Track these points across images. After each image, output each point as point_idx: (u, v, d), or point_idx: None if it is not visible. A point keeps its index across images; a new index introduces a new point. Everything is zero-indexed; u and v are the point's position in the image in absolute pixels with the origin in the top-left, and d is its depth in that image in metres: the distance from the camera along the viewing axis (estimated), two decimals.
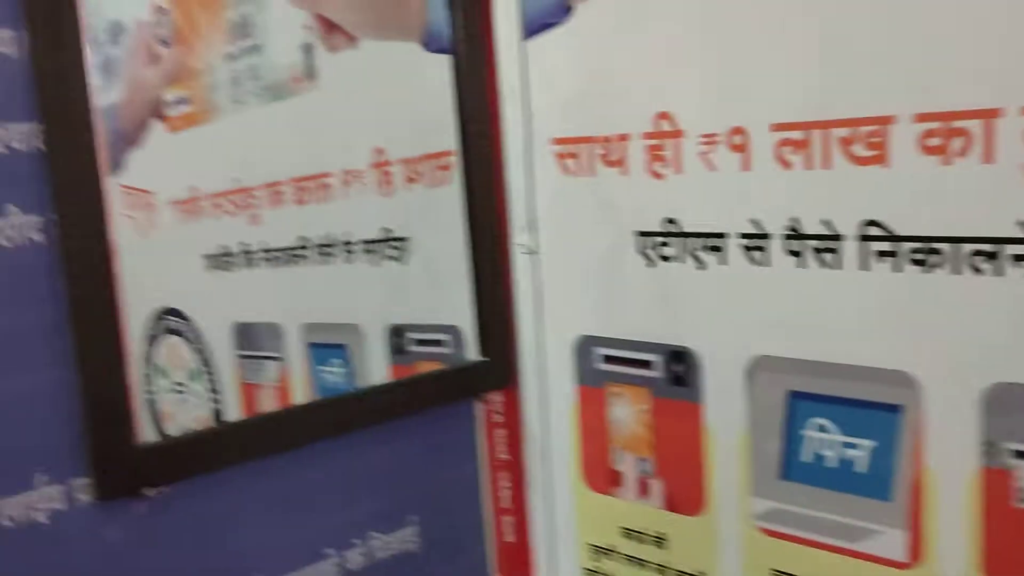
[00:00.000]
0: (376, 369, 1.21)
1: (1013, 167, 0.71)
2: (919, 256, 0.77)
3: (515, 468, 1.11)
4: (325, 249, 1.23)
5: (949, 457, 0.78)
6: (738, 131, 0.86)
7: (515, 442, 1.11)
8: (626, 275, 0.98)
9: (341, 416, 0.99)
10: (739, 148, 0.87)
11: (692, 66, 0.89)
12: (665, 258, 0.94)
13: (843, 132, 0.80)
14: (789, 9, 0.81)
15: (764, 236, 0.86)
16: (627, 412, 1.01)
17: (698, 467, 0.95)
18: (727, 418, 0.92)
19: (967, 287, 0.75)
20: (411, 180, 1.13)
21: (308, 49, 1.21)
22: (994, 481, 0.76)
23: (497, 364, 1.08)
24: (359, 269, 1.21)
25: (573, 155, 1.00)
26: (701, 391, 0.94)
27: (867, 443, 0.83)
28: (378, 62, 1.16)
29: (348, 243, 1.21)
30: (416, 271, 1.16)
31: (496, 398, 1.10)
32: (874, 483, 0.83)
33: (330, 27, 1.17)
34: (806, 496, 0.87)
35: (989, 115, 0.71)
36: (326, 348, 1.27)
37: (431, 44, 1.09)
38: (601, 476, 1.05)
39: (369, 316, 1.23)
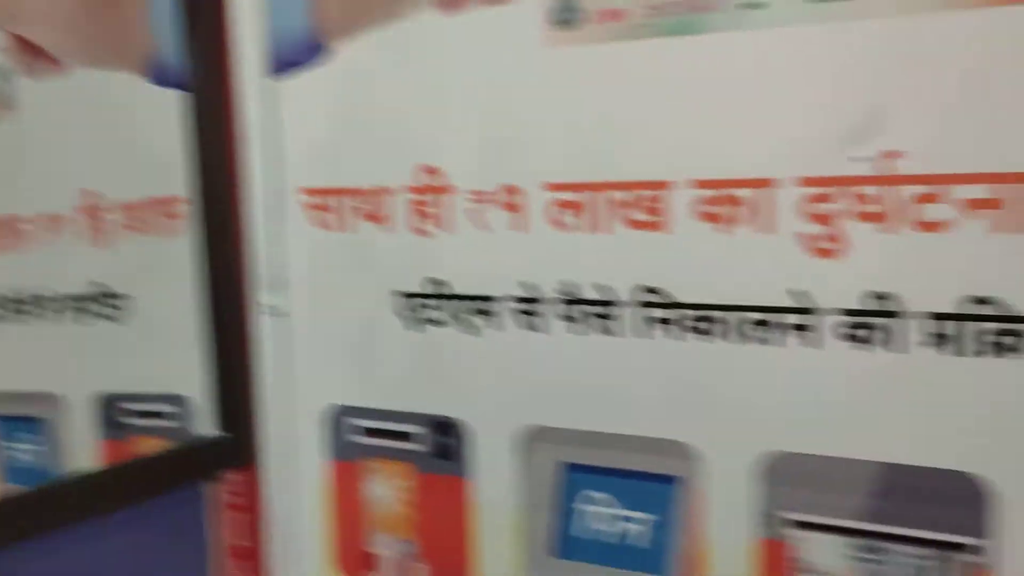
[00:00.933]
0: (82, 446, 1.04)
1: (788, 236, 0.72)
2: (698, 324, 0.76)
3: (256, 556, 0.99)
4: (17, 305, 1.05)
5: (727, 529, 0.77)
6: (512, 190, 0.82)
7: (256, 527, 0.98)
8: (386, 340, 0.90)
9: (38, 513, 0.82)
10: (512, 207, 0.82)
11: (462, 119, 0.84)
12: (431, 322, 0.88)
13: (621, 195, 0.78)
14: (565, 65, 0.79)
15: (539, 300, 0.82)
16: (386, 489, 0.92)
17: (465, 547, 0.88)
18: (497, 493, 0.86)
19: (743, 356, 0.75)
20: (132, 228, 0.99)
21: (4, 75, 1.04)
22: (771, 552, 0.75)
23: (236, 439, 0.96)
24: (61, 329, 1.04)
25: (328, 208, 0.91)
26: (469, 465, 0.87)
27: (645, 516, 0.81)
28: (92, 93, 1.01)
29: (47, 298, 1.04)
30: (135, 333, 1.01)
31: (234, 478, 0.97)
32: (652, 558, 0.80)
33: (33, 51, 1.00)
34: (582, 573, 0.83)
35: (765, 184, 0.72)
36: (15, 421, 1.08)
37: (160, 77, 0.96)
38: (355, 561, 0.95)
39: (73, 384, 1.06)
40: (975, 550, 0.68)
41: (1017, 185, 0.63)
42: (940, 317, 0.67)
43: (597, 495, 0.83)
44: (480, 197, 0.84)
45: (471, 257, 0.85)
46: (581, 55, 0.78)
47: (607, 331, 0.79)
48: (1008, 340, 0.65)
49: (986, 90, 0.64)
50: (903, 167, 0.67)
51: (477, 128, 0.83)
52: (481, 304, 0.85)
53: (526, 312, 0.83)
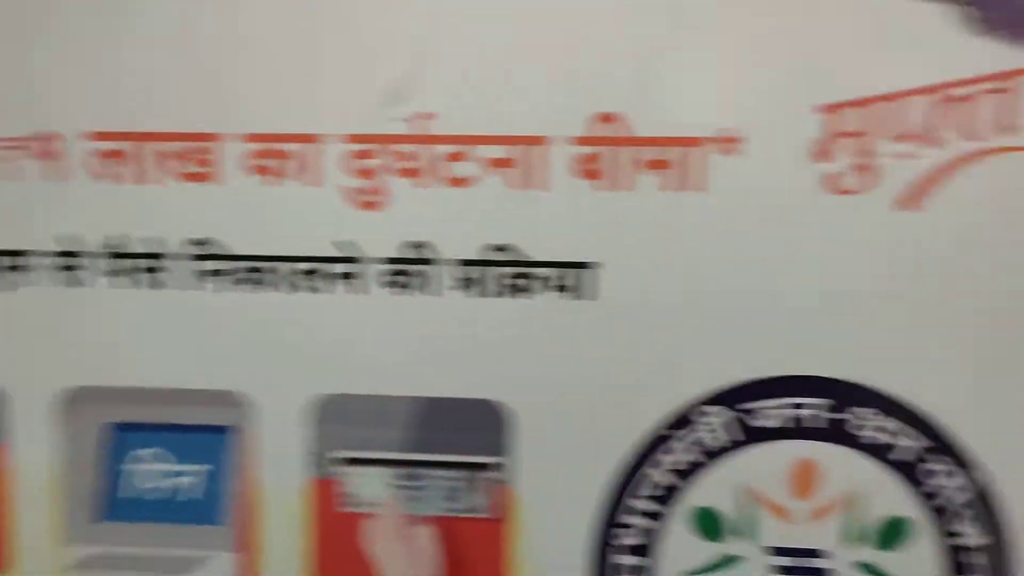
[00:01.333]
0: None
1: (335, 190, 0.76)
2: (250, 275, 0.78)
3: None
4: None
5: (280, 472, 0.79)
6: (49, 137, 0.77)
7: None
8: None
9: None
10: (50, 155, 0.78)
11: None
12: None
13: (171, 146, 0.77)
14: (97, 11, 0.76)
15: (81, 255, 0.78)
16: None
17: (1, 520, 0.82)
18: (36, 460, 0.81)
19: (293, 305, 0.78)
20: None
21: None
22: (322, 490, 0.79)
23: None
24: None
25: None
26: (4, 431, 0.81)
27: (199, 468, 0.81)
28: None
29: None
30: None
31: None
32: (206, 509, 0.81)
33: None
34: (131, 534, 0.81)
35: (312, 140, 0.76)
36: None
37: None
38: None
39: None
40: (497, 467, 0.78)
41: (526, 147, 0.73)
42: (467, 263, 0.76)
43: (148, 452, 0.81)
44: (14, 145, 0.78)
45: (3, 210, 0.79)
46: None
47: (156, 285, 0.78)
48: (521, 282, 0.75)
49: (500, 57, 0.73)
50: (435, 127, 0.74)
51: (7, 70, 0.77)
52: (13, 259, 0.79)
53: (67, 267, 0.79)
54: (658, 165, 0.73)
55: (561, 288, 0.75)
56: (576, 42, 0.72)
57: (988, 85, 0.69)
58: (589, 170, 0.74)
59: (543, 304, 0.75)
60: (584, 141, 0.73)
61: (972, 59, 0.69)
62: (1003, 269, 0.71)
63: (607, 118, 0.73)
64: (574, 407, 0.76)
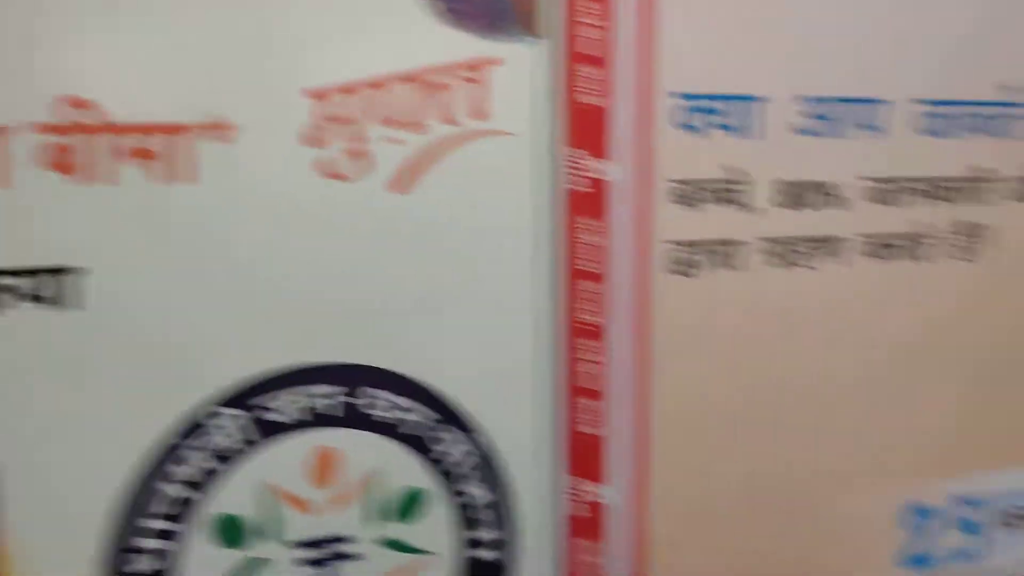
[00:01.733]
0: None
1: None
2: None
3: None
4: None
5: None
6: None
7: None
8: None
9: None
10: None
11: None
12: None
13: None
14: None
15: None
16: None
17: None
18: None
19: None
20: None
21: None
22: None
23: None
24: None
25: None
26: None
27: None
28: None
29: None
30: None
31: None
32: None
33: None
34: None
35: None
36: None
37: None
38: None
39: None
40: None
41: None
42: None
43: None
44: None
45: None
46: None
47: None
48: None
49: None
50: None
51: None
52: None
53: None
54: (142, 155, 0.67)
55: (37, 299, 0.65)
56: (35, 16, 0.63)
57: (462, 73, 0.74)
58: (60, 162, 0.65)
59: (16, 320, 0.65)
60: (50, 129, 0.64)
61: (448, 47, 0.73)
62: (488, 242, 0.76)
63: (78, 103, 0.64)
64: (67, 434, 0.67)
